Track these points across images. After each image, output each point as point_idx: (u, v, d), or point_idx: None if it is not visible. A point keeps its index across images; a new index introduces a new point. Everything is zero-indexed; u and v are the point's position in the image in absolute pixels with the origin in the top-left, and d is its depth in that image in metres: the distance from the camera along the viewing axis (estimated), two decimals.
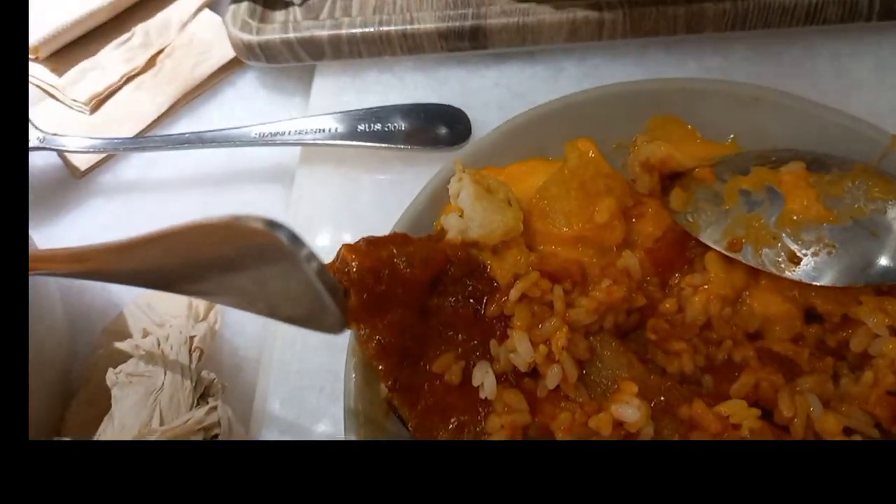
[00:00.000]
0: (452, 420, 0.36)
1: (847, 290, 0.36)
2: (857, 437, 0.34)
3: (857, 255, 0.36)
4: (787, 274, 0.36)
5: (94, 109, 0.57)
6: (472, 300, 0.38)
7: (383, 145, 0.50)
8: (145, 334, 0.44)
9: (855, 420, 0.34)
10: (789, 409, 0.35)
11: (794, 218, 0.37)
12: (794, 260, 0.36)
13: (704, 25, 0.51)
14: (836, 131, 0.41)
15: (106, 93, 0.57)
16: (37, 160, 0.56)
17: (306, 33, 0.53)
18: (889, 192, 0.37)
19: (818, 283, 0.36)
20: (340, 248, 0.37)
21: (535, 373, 0.37)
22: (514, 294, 0.37)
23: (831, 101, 0.43)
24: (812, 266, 0.36)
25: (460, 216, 0.39)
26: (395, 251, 0.36)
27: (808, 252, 0.36)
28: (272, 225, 0.22)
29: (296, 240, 0.22)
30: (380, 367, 0.36)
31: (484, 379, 0.36)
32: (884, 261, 0.36)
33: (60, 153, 0.55)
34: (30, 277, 0.37)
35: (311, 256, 0.23)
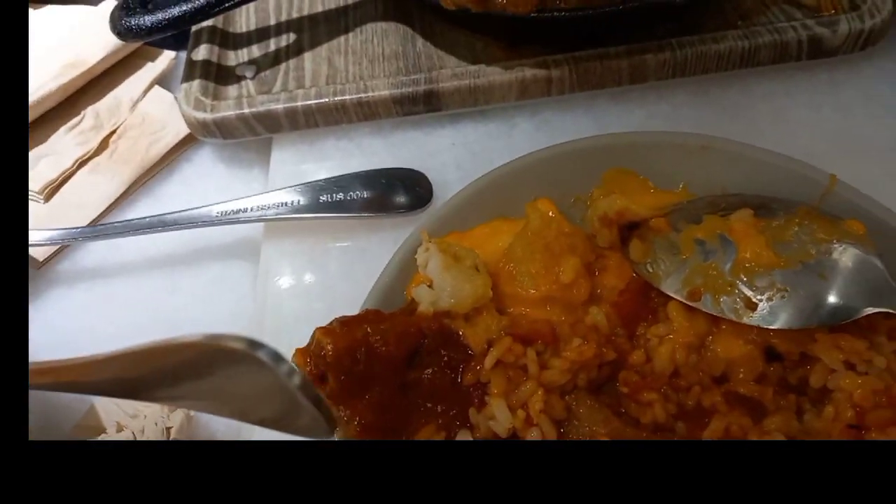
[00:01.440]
0: None
1: (803, 329, 0.38)
2: None
3: (807, 297, 0.38)
4: (745, 320, 0.38)
5: (49, 197, 0.56)
6: (448, 370, 0.39)
7: (346, 215, 0.50)
8: (119, 428, 0.43)
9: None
10: None
11: (747, 265, 0.39)
12: (751, 306, 0.38)
13: (647, 75, 0.53)
14: (779, 174, 0.44)
15: (60, 179, 0.56)
16: None
17: (262, 108, 0.54)
18: (832, 232, 0.39)
19: (774, 327, 0.38)
20: (315, 332, 0.37)
21: (514, 437, 0.37)
22: (488, 361, 0.38)
23: (770, 140, 0.46)
24: (767, 311, 0.38)
25: (430, 286, 0.40)
26: (369, 330, 0.37)
27: (763, 297, 0.38)
28: (253, 345, 0.23)
29: (278, 358, 0.23)
30: None
31: None
32: (833, 300, 0.38)
33: None
34: None
35: (293, 372, 0.23)
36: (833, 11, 0.54)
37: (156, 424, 0.41)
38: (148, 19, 0.52)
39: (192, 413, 0.44)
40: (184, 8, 0.52)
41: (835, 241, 0.39)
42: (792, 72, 0.55)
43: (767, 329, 0.38)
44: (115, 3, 0.55)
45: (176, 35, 0.61)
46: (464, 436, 0.37)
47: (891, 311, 0.37)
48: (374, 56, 0.58)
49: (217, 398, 0.28)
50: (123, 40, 0.54)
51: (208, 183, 0.58)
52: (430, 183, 0.52)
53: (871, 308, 0.37)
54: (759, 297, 0.38)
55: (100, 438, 0.42)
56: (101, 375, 0.31)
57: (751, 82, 0.55)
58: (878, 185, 0.43)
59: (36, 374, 0.35)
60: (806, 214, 0.41)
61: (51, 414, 0.47)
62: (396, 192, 0.52)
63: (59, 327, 0.52)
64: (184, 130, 0.58)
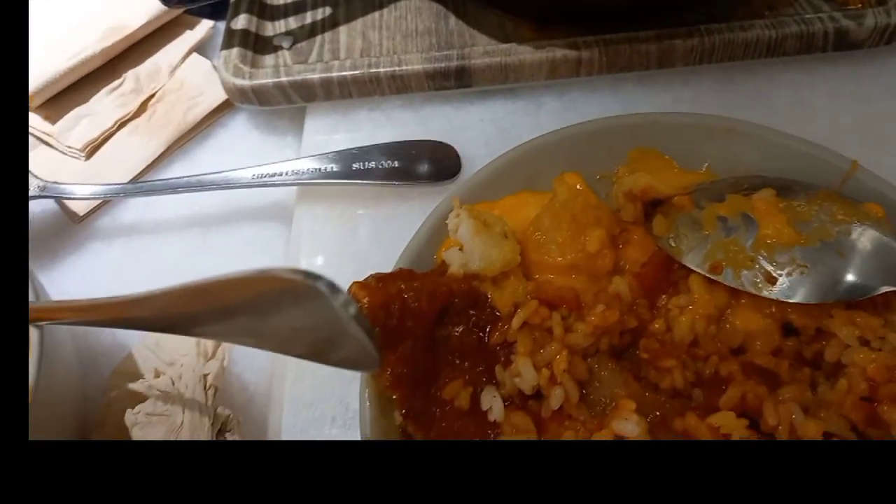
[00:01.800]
0: None
1: (820, 304, 0.39)
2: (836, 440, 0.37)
3: (826, 273, 0.39)
4: (765, 293, 0.39)
5: (90, 155, 0.58)
6: (476, 329, 0.40)
7: (378, 182, 0.52)
8: (157, 374, 0.45)
9: (833, 425, 0.37)
10: (774, 417, 0.38)
11: (769, 241, 0.40)
12: (771, 280, 0.40)
13: (675, 60, 0.55)
14: (802, 158, 0.45)
15: (101, 138, 0.58)
16: (34, 207, 0.57)
17: (298, 77, 0.55)
18: (852, 214, 0.41)
19: (793, 301, 0.39)
20: (351, 286, 0.39)
21: (538, 395, 0.39)
22: (515, 322, 0.39)
23: (792, 128, 0.47)
24: (787, 285, 0.39)
25: (460, 250, 0.42)
26: (403, 286, 0.39)
27: (783, 273, 0.39)
28: (310, 276, 0.24)
29: (334, 288, 0.24)
30: (394, 397, 0.38)
31: (492, 403, 0.38)
32: (850, 277, 0.39)
33: (58, 199, 0.56)
34: (44, 325, 0.39)
35: (349, 302, 0.25)
36: (860, 5, 0.55)
37: (193, 371, 0.43)
38: None
39: (226, 363, 0.46)
40: None
41: (854, 223, 0.40)
42: (816, 63, 0.56)
43: (785, 304, 0.40)
44: None
45: (214, 4, 0.63)
46: (489, 391, 0.39)
47: None
48: (407, 32, 0.59)
49: (264, 332, 0.30)
50: (168, 6, 0.56)
51: (242, 148, 0.59)
52: (458, 156, 0.54)
53: (886, 287, 0.39)
54: (779, 272, 0.39)
55: (138, 383, 0.44)
56: (151, 311, 0.33)
57: (775, 71, 0.56)
58: None
59: (78, 311, 0.37)
60: (826, 196, 0.42)
61: (90, 359, 0.49)
62: (425, 163, 0.53)
63: (96, 281, 0.53)
64: (220, 97, 0.60)
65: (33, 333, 0.38)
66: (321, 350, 0.28)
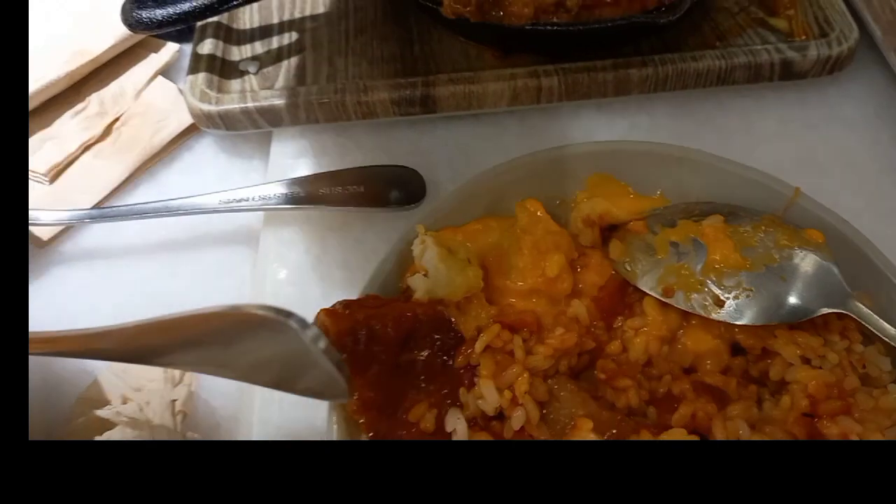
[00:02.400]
0: None
1: (765, 325, 0.42)
2: None
3: (770, 297, 0.42)
4: (714, 315, 0.42)
5: (54, 179, 0.58)
6: (440, 353, 0.42)
7: (344, 208, 0.53)
8: (125, 400, 0.45)
9: (778, 439, 0.40)
10: (723, 433, 0.40)
11: (717, 266, 0.43)
12: (719, 303, 0.42)
13: (630, 88, 0.57)
14: (748, 185, 0.48)
15: (65, 162, 0.58)
16: None
17: (265, 102, 0.56)
18: (794, 240, 0.43)
19: (740, 323, 0.41)
20: (318, 313, 0.40)
21: (501, 416, 0.40)
22: (479, 345, 0.41)
23: (741, 153, 0.50)
24: (734, 308, 0.42)
25: (425, 276, 0.43)
26: (370, 313, 0.40)
27: (730, 296, 0.42)
28: (280, 312, 0.25)
29: (304, 324, 0.26)
30: (361, 421, 0.39)
31: (456, 425, 0.39)
32: (793, 301, 0.42)
33: None
34: None
35: (318, 337, 0.26)
36: (804, 37, 0.58)
37: (161, 397, 0.43)
38: (159, 13, 0.54)
39: (194, 388, 0.46)
40: (194, 4, 0.54)
41: (796, 248, 0.43)
42: (764, 91, 0.59)
43: (733, 325, 0.42)
44: None
45: (180, 29, 0.63)
46: (454, 413, 0.40)
47: (843, 311, 0.41)
48: (373, 58, 0.60)
49: (232, 363, 0.31)
50: (133, 31, 0.56)
51: (208, 172, 0.60)
52: (423, 180, 0.55)
53: (826, 308, 0.41)
54: (726, 295, 0.42)
55: (105, 410, 0.44)
56: (119, 343, 0.33)
57: (725, 98, 0.59)
58: (838, 198, 0.48)
59: (49, 343, 0.38)
60: (771, 222, 0.44)
61: (54, 385, 0.49)
62: (391, 188, 0.54)
63: (60, 305, 0.53)
64: (186, 120, 0.60)
65: None
66: (288, 380, 0.29)
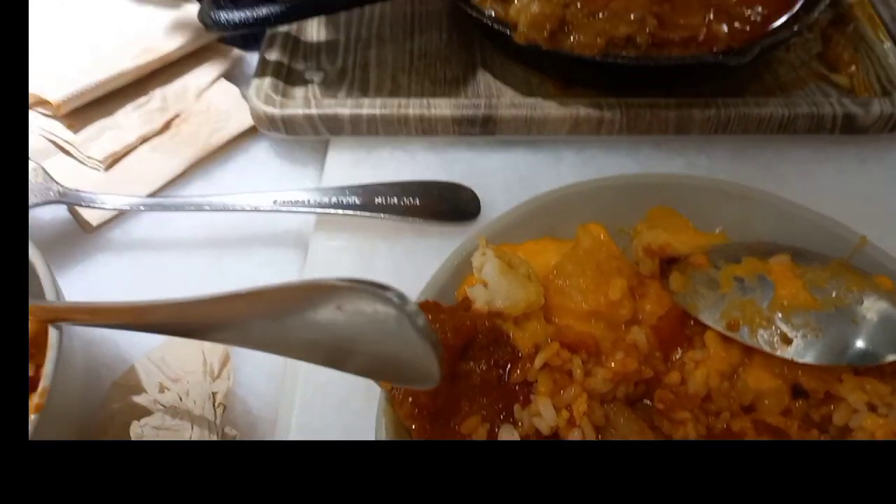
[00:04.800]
0: None
1: (830, 369, 0.40)
2: None
3: (839, 338, 0.40)
4: (780, 353, 0.40)
5: (109, 167, 0.58)
6: (496, 367, 0.41)
7: (398, 217, 0.53)
8: (162, 389, 0.44)
9: None
10: None
11: (785, 303, 0.42)
12: (786, 341, 0.41)
13: (692, 128, 0.57)
14: (813, 229, 0.47)
15: (123, 152, 0.58)
16: (44, 214, 0.56)
17: (328, 110, 0.57)
18: (863, 285, 0.42)
19: (805, 361, 0.40)
20: None
21: (555, 436, 0.39)
22: (538, 362, 0.40)
23: (799, 201, 0.49)
24: (802, 346, 0.40)
25: (485, 287, 0.42)
26: (429, 318, 0.39)
27: (798, 334, 0.41)
28: (376, 285, 0.25)
29: (404, 299, 0.25)
30: (413, 426, 0.37)
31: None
32: (861, 344, 0.40)
33: (70, 207, 0.56)
34: (62, 326, 0.38)
35: (418, 313, 0.25)
36: (866, 94, 0.58)
37: (201, 388, 0.42)
38: (237, 15, 0.55)
39: (231, 385, 0.45)
40: (271, 10, 0.55)
41: (866, 293, 0.42)
42: (823, 143, 0.59)
43: (796, 367, 0.41)
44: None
45: (245, 36, 0.64)
46: (507, 430, 0.38)
47: None
48: (435, 78, 0.61)
49: (297, 342, 0.29)
50: (209, 31, 0.57)
51: (262, 175, 0.60)
52: (478, 199, 0.55)
53: (894, 355, 0.40)
54: (794, 333, 0.41)
55: (142, 396, 0.43)
56: (197, 316, 0.32)
57: (785, 147, 0.59)
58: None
59: (94, 314, 0.37)
60: (839, 266, 0.43)
61: (92, 369, 0.48)
62: (447, 203, 0.54)
63: (103, 291, 0.52)
64: (245, 123, 0.60)
65: (52, 334, 0.38)
66: (377, 366, 0.28)
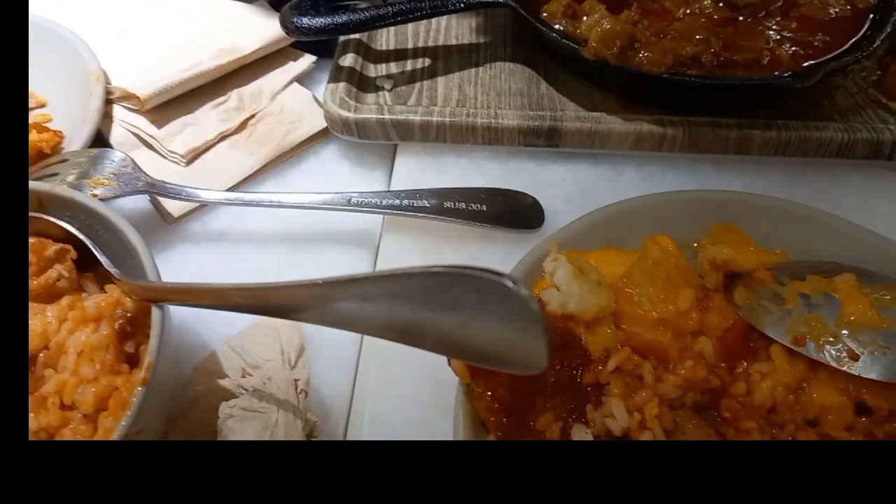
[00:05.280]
0: None
1: (895, 387, 0.42)
2: None
3: None
4: (846, 368, 0.42)
5: (190, 162, 0.61)
6: (568, 368, 0.42)
7: (466, 222, 0.55)
8: (243, 374, 0.46)
9: None
10: None
11: (852, 320, 0.43)
12: (853, 357, 0.42)
13: (752, 149, 0.58)
14: (873, 251, 0.48)
15: (203, 148, 0.61)
16: (127, 203, 0.59)
17: (400, 116, 0.59)
18: None
19: (871, 377, 0.41)
20: None
21: (626, 436, 0.40)
22: (611, 365, 0.41)
23: None
24: (869, 362, 0.42)
25: (557, 291, 0.44)
26: None
27: (865, 351, 0.42)
28: (491, 271, 0.26)
29: (518, 283, 0.26)
30: (490, 419, 0.39)
31: (584, 439, 0.39)
32: None
33: (153, 198, 0.58)
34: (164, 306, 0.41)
35: (532, 299, 0.26)
36: None
37: (284, 375, 0.44)
38: (318, 21, 0.58)
39: (309, 374, 0.47)
40: (350, 17, 0.58)
41: None
42: (880, 169, 0.60)
43: (860, 384, 0.42)
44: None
45: (318, 42, 0.67)
46: (579, 429, 0.40)
47: None
48: (501, 90, 0.63)
49: (428, 329, 0.31)
50: (290, 35, 0.60)
51: (333, 176, 0.62)
52: (542, 209, 0.57)
53: None
54: (861, 349, 0.42)
55: (226, 380, 0.45)
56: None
57: (840, 172, 0.60)
58: None
59: (185, 294, 0.39)
60: None
61: (175, 355, 0.50)
62: (512, 211, 0.56)
63: (181, 281, 0.55)
64: (318, 125, 0.63)
65: (155, 313, 0.40)
66: (486, 351, 0.29)
